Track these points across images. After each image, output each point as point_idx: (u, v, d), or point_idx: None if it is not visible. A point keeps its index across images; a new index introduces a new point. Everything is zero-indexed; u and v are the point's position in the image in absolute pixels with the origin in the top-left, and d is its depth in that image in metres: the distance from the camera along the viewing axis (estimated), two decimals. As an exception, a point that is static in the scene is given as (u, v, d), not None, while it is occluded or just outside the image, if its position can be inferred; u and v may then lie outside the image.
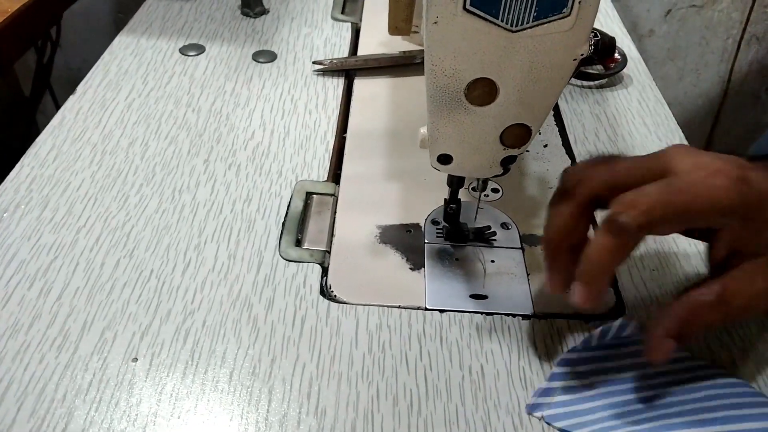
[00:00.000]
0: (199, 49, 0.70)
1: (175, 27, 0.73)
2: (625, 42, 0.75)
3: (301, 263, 0.47)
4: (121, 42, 0.70)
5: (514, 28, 0.36)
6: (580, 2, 0.35)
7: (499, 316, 0.44)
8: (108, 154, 0.55)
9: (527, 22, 0.36)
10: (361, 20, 0.78)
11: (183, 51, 0.69)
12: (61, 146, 0.56)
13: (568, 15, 0.36)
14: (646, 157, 0.37)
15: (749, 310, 0.35)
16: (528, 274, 0.47)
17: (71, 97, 0.62)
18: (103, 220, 0.49)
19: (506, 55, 0.37)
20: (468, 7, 0.36)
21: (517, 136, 0.41)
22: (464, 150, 0.42)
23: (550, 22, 0.36)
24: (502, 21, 0.36)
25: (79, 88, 0.63)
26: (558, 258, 0.37)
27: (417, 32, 0.72)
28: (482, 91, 0.39)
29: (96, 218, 0.49)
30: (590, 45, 0.62)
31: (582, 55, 0.38)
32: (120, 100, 0.61)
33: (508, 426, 0.37)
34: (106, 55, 0.68)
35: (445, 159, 0.43)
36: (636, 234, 0.33)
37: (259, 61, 0.68)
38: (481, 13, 0.36)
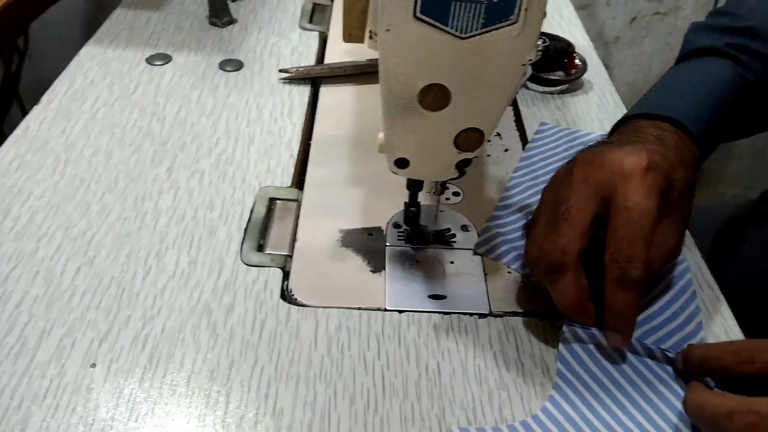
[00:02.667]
0: (166, 58, 0.70)
1: (142, 37, 0.74)
2: (587, 49, 0.77)
3: (262, 268, 0.47)
4: (87, 52, 0.70)
5: (463, 35, 0.37)
6: (526, 9, 0.36)
7: (457, 315, 0.45)
8: (71, 163, 0.55)
9: (476, 29, 0.37)
10: (328, 29, 0.79)
11: (150, 60, 0.70)
12: (24, 156, 0.56)
13: (515, 22, 0.37)
14: (588, 190, 0.41)
15: (666, 266, 0.45)
16: (486, 275, 0.48)
17: (35, 107, 0.62)
18: (64, 228, 0.49)
19: (457, 61, 0.38)
20: (418, 14, 0.37)
21: (471, 139, 0.42)
22: (420, 154, 0.43)
23: (498, 28, 0.37)
24: (451, 28, 0.37)
25: (44, 99, 0.63)
26: (587, 315, 0.42)
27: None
28: (435, 97, 0.40)
29: (57, 227, 0.49)
30: (538, 50, 0.63)
31: (530, 60, 0.39)
32: (85, 110, 0.62)
33: (462, 421, 0.38)
34: (71, 66, 0.68)
35: (402, 163, 0.44)
36: (643, 276, 0.39)
37: (225, 70, 0.69)
38: (431, 21, 0.37)
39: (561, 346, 0.42)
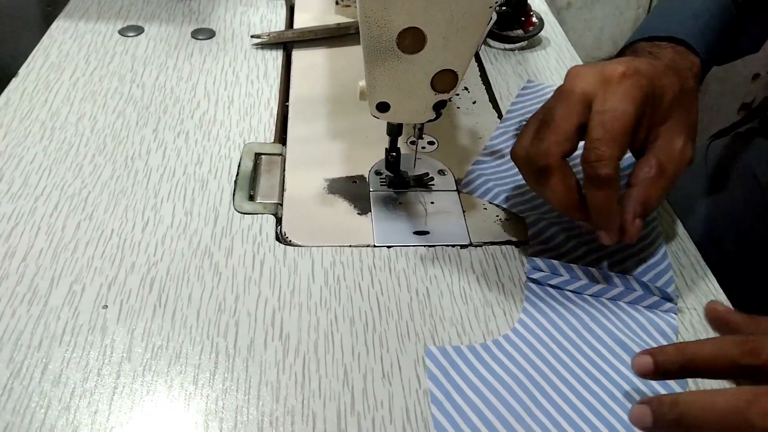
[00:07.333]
0: (138, 30, 0.72)
1: (112, 11, 0.75)
2: (542, 8, 0.81)
3: (255, 215, 0.50)
4: (59, 26, 0.71)
5: (436, -19, 0.40)
6: (492, -45, 0.40)
7: (440, 247, 0.48)
8: (57, 129, 0.57)
9: (447, -25, 0.40)
10: (295, -3, 0.81)
11: (122, 32, 0.71)
12: (9, 125, 0.57)
13: (483, -33, 0.40)
14: (573, 99, 0.43)
15: (681, 169, 0.44)
16: (464, 212, 0.52)
17: (14, 80, 0.63)
18: (60, 188, 0.51)
19: (430, 5, 0.41)
20: (394, -37, 0.40)
21: (446, 80, 0.46)
22: (400, 96, 0.46)
23: (467, -27, 0.40)
24: (424, -26, 0.40)
25: (21, 71, 0.64)
26: (580, 211, 0.44)
27: (349, 6, 0.76)
28: (412, 40, 0.43)
29: (52, 187, 0.51)
30: (501, 6, 0.66)
31: (497, 2, 0.43)
32: (64, 80, 0.63)
33: (453, 335, 0.42)
34: (45, 40, 0.69)
35: (383, 107, 0.47)
36: (615, 174, 0.41)
37: (198, 38, 0.71)
38: (406, -32, 0.40)
39: (527, 278, 0.46)
